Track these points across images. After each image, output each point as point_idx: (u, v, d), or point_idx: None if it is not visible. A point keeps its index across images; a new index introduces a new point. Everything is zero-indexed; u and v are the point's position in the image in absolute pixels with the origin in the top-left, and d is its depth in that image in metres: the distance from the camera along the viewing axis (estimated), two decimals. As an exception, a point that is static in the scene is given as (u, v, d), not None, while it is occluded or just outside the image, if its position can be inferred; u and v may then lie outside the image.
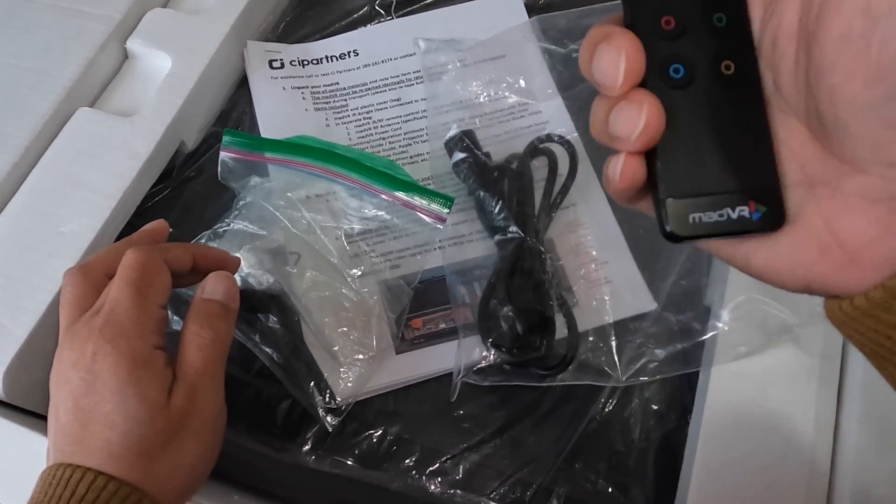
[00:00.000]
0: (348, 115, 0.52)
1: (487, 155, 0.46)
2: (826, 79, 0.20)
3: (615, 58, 0.21)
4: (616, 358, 0.42)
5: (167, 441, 0.32)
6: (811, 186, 0.22)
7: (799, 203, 0.22)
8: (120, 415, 0.31)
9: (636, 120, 0.21)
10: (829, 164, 0.21)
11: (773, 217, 0.22)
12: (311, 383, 0.41)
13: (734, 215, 0.23)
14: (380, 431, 0.42)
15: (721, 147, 0.23)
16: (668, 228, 0.23)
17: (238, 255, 0.43)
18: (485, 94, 0.51)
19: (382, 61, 0.54)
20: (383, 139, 0.51)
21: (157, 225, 0.40)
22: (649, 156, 0.23)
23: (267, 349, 0.42)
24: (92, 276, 0.35)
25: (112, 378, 0.31)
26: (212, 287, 0.35)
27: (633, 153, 0.22)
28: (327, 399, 0.41)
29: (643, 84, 0.22)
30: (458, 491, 0.40)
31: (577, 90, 0.50)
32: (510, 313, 0.42)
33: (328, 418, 0.41)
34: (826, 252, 0.21)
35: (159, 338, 0.33)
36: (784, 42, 0.21)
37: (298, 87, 0.52)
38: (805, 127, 0.22)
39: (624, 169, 0.22)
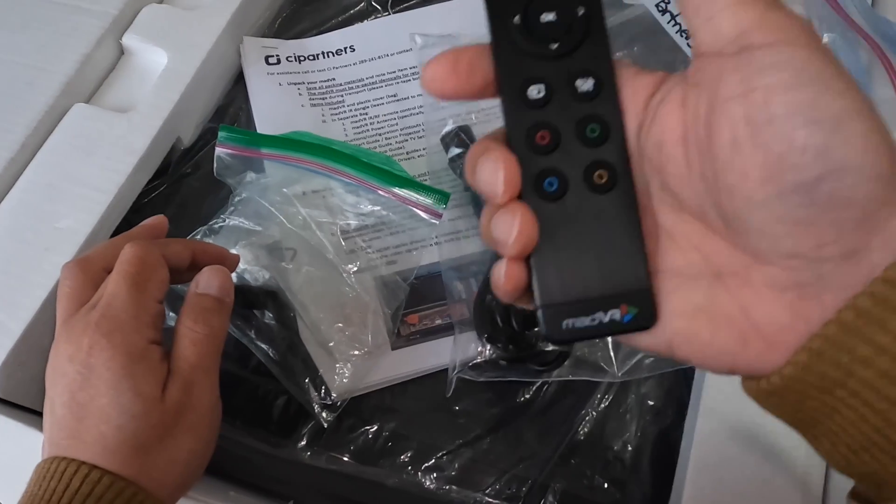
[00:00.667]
0: (345, 111, 0.52)
1: (484, 150, 0.46)
2: (723, 179, 0.21)
3: (493, 171, 0.23)
4: (612, 354, 0.42)
5: (162, 435, 0.32)
6: (719, 277, 0.22)
7: (709, 293, 0.22)
8: (115, 409, 0.31)
9: (510, 229, 0.23)
10: (735, 255, 0.22)
11: (644, 317, 0.23)
12: (307, 379, 0.41)
13: (605, 319, 0.24)
14: (376, 427, 0.42)
15: (593, 254, 0.24)
16: (544, 333, 0.24)
17: (234, 250, 0.43)
18: (481, 89, 0.50)
19: (379, 57, 0.54)
20: (380, 135, 0.51)
21: (156, 220, 0.39)
22: (529, 262, 0.24)
23: (263, 345, 0.42)
24: (89, 270, 0.35)
25: (107, 372, 0.31)
26: (206, 281, 0.35)
27: (513, 259, 0.23)
28: (323, 395, 0.41)
29: (521, 195, 0.23)
30: (454, 487, 0.40)
31: (574, 85, 0.50)
32: (506, 309, 0.42)
33: (324, 414, 0.41)
34: (747, 340, 0.21)
35: (156, 332, 0.33)
36: (670, 146, 0.22)
37: (295, 83, 0.52)
38: (701, 223, 0.23)
39: (507, 273, 0.23)
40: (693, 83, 0.22)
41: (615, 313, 0.24)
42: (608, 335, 0.24)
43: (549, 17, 0.24)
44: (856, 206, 0.19)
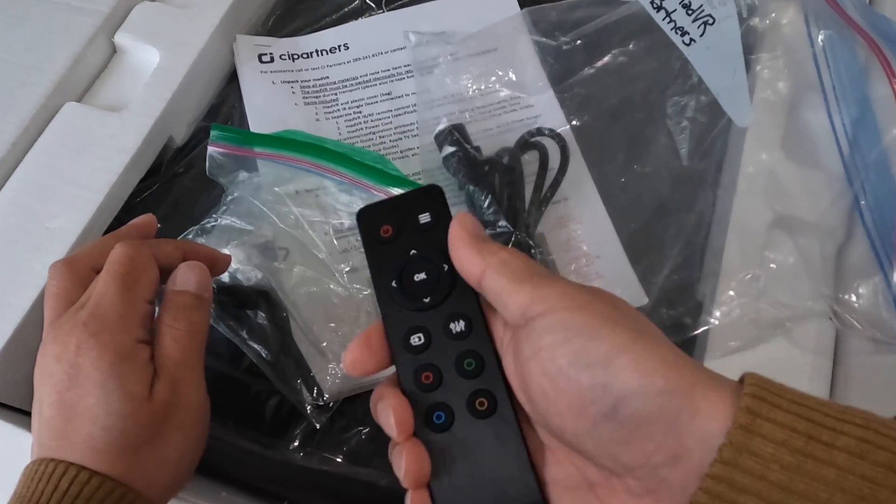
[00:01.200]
0: (338, 110, 0.51)
1: (478, 149, 0.46)
2: (550, 420, 0.25)
3: (386, 417, 0.27)
4: None
5: (151, 435, 0.32)
6: (592, 487, 0.26)
7: (586, 502, 0.26)
8: (102, 409, 0.31)
9: (400, 466, 0.26)
10: (597, 469, 0.26)
11: None
12: (300, 380, 0.41)
13: None
14: (368, 428, 0.42)
15: (486, 474, 0.27)
16: None
17: (226, 250, 0.43)
18: (476, 87, 0.50)
19: (373, 55, 0.53)
20: (373, 133, 0.50)
21: (145, 219, 0.39)
22: (430, 488, 0.27)
23: (255, 345, 0.41)
24: (78, 269, 0.35)
25: (95, 371, 0.31)
26: (183, 278, 0.35)
27: (414, 490, 0.26)
28: (315, 395, 0.41)
29: (415, 431, 0.27)
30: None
31: (569, 83, 0.50)
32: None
33: (316, 415, 0.41)
34: None
35: (145, 332, 0.33)
36: (514, 387, 0.28)
37: (288, 82, 0.52)
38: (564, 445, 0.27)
39: (411, 501, 0.26)
40: (508, 350, 0.28)
41: None
42: None
43: (420, 276, 0.29)
44: (655, 419, 0.23)
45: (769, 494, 0.21)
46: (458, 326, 0.28)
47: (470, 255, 0.27)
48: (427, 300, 0.29)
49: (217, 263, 0.39)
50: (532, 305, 0.25)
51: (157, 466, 0.32)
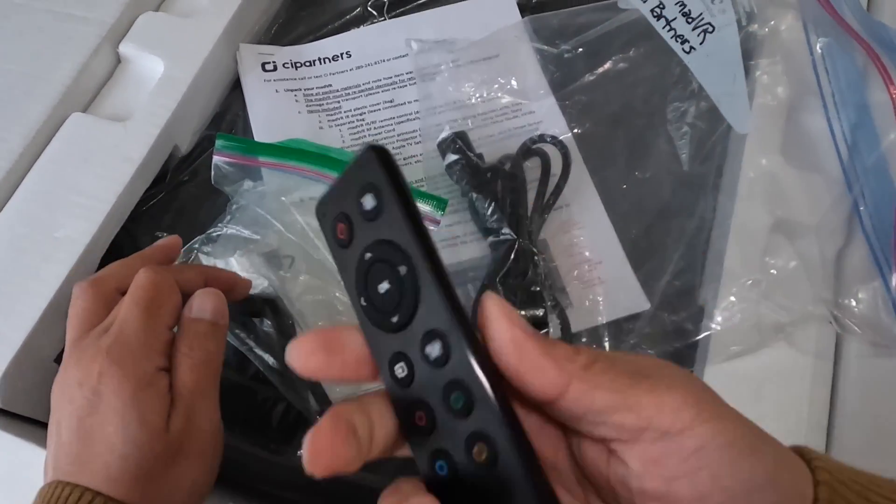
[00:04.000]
0: (341, 118, 0.52)
1: (480, 156, 0.46)
2: None
3: None
4: None
5: (166, 464, 0.32)
6: None
7: None
8: (120, 438, 0.31)
9: None
10: None
11: None
12: (306, 387, 0.42)
13: None
14: (375, 434, 0.42)
15: None
16: None
17: (232, 259, 0.43)
18: (478, 94, 0.51)
19: (375, 63, 0.54)
20: (376, 141, 0.51)
21: (170, 241, 0.40)
22: None
23: (261, 353, 0.42)
24: (102, 290, 0.35)
25: (116, 400, 0.31)
26: (199, 305, 0.35)
27: None
28: (322, 402, 0.41)
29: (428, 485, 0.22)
30: (453, 492, 0.40)
31: (570, 90, 0.51)
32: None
33: (323, 421, 0.41)
34: None
35: (165, 360, 0.33)
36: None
37: (291, 90, 0.52)
38: None
39: None
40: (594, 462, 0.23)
41: None
42: None
43: (383, 286, 0.22)
44: None
45: None
46: (434, 350, 0.21)
47: (541, 365, 0.21)
48: (395, 319, 0.22)
49: (237, 288, 0.39)
50: (661, 419, 0.21)
51: (171, 494, 0.32)
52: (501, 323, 0.21)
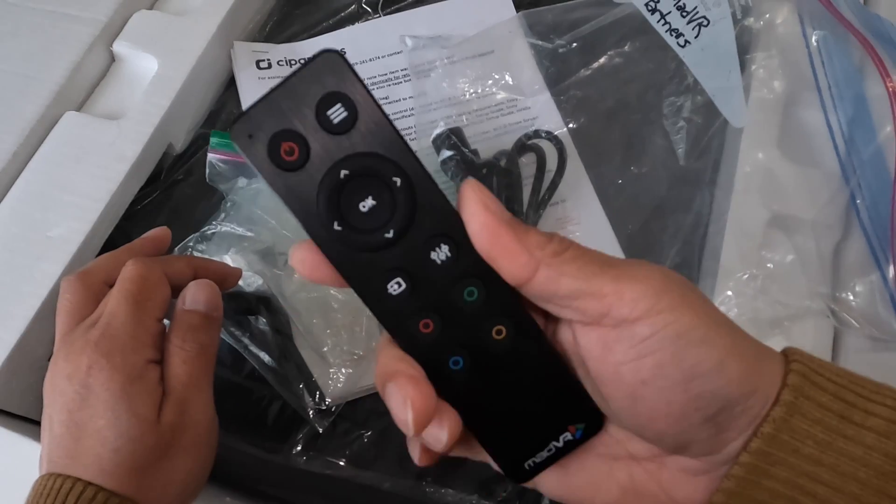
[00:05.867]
0: (336, 115, 0.52)
1: (475, 152, 0.46)
2: (634, 420, 0.24)
3: (402, 408, 0.23)
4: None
5: (159, 457, 0.32)
6: (638, 462, 0.25)
7: (632, 474, 0.25)
8: (112, 431, 0.31)
9: (439, 434, 0.23)
10: (649, 448, 0.25)
11: (593, 426, 0.25)
12: (301, 385, 0.41)
13: (560, 444, 0.25)
14: (370, 431, 0.42)
15: (526, 398, 0.24)
16: (510, 480, 0.25)
17: (227, 256, 0.43)
18: (472, 90, 0.50)
19: (370, 59, 0.54)
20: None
21: (159, 232, 0.39)
22: (471, 427, 0.24)
23: (257, 351, 0.41)
24: (90, 283, 0.35)
25: (106, 393, 0.31)
26: (193, 297, 0.35)
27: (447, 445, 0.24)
28: (317, 400, 0.41)
29: (436, 383, 0.23)
30: (450, 490, 0.40)
31: (566, 85, 0.50)
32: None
33: (318, 419, 0.41)
34: None
35: (155, 352, 0.33)
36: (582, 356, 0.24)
37: (286, 87, 0.52)
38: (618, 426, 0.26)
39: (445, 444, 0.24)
40: (562, 344, 0.25)
41: (566, 436, 0.25)
42: (567, 454, 0.25)
43: (368, 203, 0.21)
44: (742, 413, 0.23)
45: (800, 465, 0.23)
46: (441, 253, 0.22)
47: (512, 250, 0.22)
48: (389, 234, 0.21)
49: (227, 278, 0.39)
50: (620, 306, 0.22)
51: (164, 486, 0.32)
52: (477, 208, 0.22)
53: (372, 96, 0.20)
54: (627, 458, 0.26)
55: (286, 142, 0.20)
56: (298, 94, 0.20)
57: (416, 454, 0.25)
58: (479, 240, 0.22)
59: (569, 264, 0.22)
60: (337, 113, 0.20)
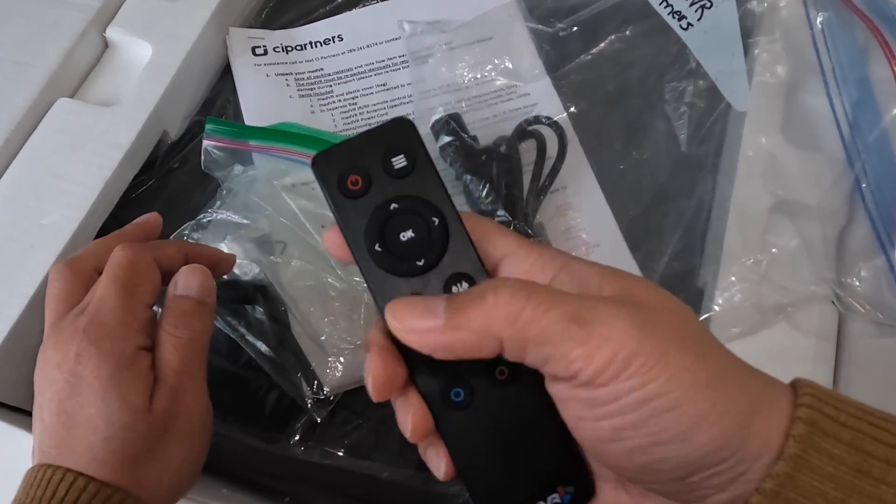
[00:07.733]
0: (333, 102, 0.51)
1: (474, 138, 0.46)
2: (606, 461, 0.24)
3: (367, 376, 0.24)
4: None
5: (151, 445, 0.31)
6: (623, 485, 0.25)
7: (616, 496, 0.25)
8: (102, 419, 0.30)
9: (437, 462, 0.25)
10: (633, 486, 0.25)
11: (582, 493, 0.25)
12: (299, 374, 0.41)
13: None
14: (369, 421, 0.41)
15: (517, 449, 0.25)
16: None
17: (223, 244, 0.42)
18: (471, 76, 0.50)
19: (367, 46, 0.53)
20: (369, 125, 0.50)
21: (149, 218, 0.38)
22: (459, 471, 0.25)
23: (254, 340, 0.41)
24: (79, 270, 0.34)
25: (95, 381, 0.30)
26: (185, 282, 0.34)
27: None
28: (315, 389, 0.41)
29: (431, 407, 0.25)
30: (450, 479, 0.40)
31: (566, 70, 0.50)
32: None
33: (316, 409, 0.41)
34: None
35: (145, 338, 0.32)
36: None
37: (282, 74, 0.52)
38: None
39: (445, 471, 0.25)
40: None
41: (554, 497, 0.25)
42: None
43: (407, 234, 0.25)
44: (725, 470, 0.22)
45: None
46: (460, 289, 0.24)
47: (461, 344, 0.23)
48: (421, 262, 0.25)
49: (220, 264, 0.38)
50: (588, 370, 0.21)
51: (159, 475, 0.31)
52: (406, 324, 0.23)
53: (428, 157, 0.25)
54: (614, 480, 0.25)
55: (353, 175, 0.25)
56: (374, 142, 0.25)
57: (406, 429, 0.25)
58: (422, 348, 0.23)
59: (531, 328, 0.22)
60: (399, 161, 0.25)
